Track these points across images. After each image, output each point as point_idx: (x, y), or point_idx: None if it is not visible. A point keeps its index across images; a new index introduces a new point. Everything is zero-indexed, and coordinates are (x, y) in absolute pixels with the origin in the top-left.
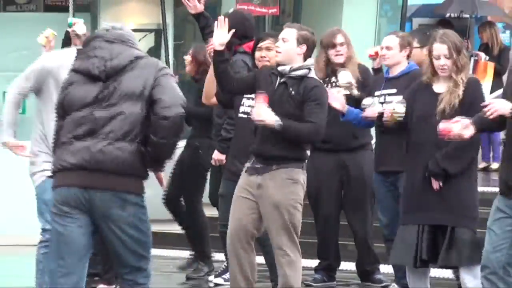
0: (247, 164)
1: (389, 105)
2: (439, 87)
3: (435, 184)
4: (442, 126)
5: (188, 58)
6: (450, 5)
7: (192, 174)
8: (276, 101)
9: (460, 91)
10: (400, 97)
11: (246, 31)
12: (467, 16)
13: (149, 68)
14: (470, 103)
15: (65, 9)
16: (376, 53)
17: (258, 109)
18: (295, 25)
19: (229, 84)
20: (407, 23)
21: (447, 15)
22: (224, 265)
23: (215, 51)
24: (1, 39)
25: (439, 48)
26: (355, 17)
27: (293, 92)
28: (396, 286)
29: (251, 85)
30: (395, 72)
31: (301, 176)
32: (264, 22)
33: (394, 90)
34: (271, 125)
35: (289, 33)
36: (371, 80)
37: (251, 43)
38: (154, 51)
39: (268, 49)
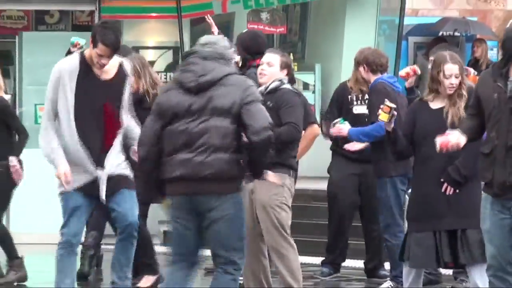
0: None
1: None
2: (435, 104)
3: (450, 190)
4: (440, 140)
5: None
6: (445, 24)
7: None
8: None
9: (463, 103)
10: None
11: (259, 47)
12: (459, 34)
13: (237, 86)
14: None
15: (90, 29)
16: (407, 74)
17: None
18: (277, 51)
19: None
20: (403, 41)
21: (441, 33)
22: None
23: None
24: (33, 55)
25: (452, 68)
26: (356, 35)
27: (270, 104)
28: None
29: None
30: None
31: (287, 180)
32: (273, 40)
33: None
34: None
35: (274, 58)
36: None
37: None
38: (172, 67)
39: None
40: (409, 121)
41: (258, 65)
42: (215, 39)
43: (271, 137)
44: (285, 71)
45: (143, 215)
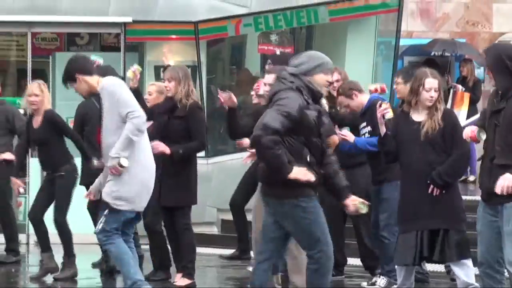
0: None
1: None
2: (417, 116)
3: (436, 191)
4: (468, 130)
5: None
6: (435, 45)
7: None
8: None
9: (439, 117)
10: None
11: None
12: (448, 54)
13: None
14: (451, 129)
15: (117, 49)
16: (375, 89)
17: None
18: (274, 70)
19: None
20: (399, 60)
21: (432, 53)
22: None
23: (229, 108)
24: None
25: (432, 83)
26: (356, 55)
27: None
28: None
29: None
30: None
31: None
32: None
33: (363, 124)
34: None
35: (271, 79)
36: None
37: None
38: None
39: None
40: (393, 128)
41: None
42: (296, 62)
43: (257, 138)
44: None
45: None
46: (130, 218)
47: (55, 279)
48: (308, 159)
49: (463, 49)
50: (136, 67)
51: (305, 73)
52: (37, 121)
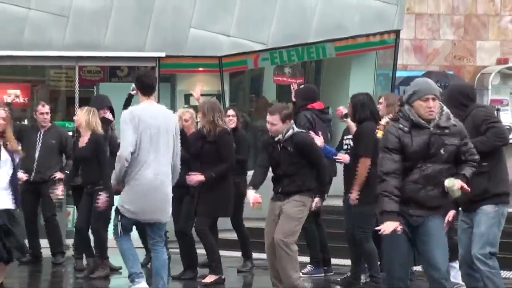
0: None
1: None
2: None
3: None
4: None
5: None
6: (429, 76)
7: None
8: (282, 160)
9: None
10: None
11: (315, 97)
12: (439, 84)
13: None
14: None
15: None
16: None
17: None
18: (277, 109)
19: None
20: (396, 90)
21: None
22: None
23: None
24: None
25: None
26: (358, 85)
27: (291, 149)
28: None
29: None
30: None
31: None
32: None
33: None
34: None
35: (274, 119)
36: None
37: (315, 104)
38: None
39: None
40: None
41: (309, 108)
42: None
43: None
44: (288, 122)
45: (210, 225)
46: (157, 226)
47: (92, 278)
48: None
49: (451, 80)
50: (181, 112)
51: (406, 101)
52: (82, 142)
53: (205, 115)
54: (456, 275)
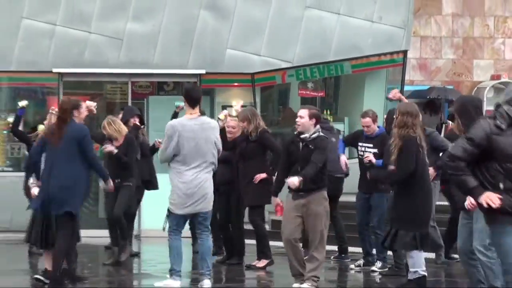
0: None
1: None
2: None
3: None
4: None
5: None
6: (431, 92)
7: None
8: (302, 157)
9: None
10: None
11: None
12: (441, 97)
13: None
14: None
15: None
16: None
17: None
18: (307, 106)
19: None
20: None
21: (428, 97)
22: None
23: None
24: (156, 112)
25: None
26: (372, 98)
27: (312, 148)
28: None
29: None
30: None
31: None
32: (316, 101)
33: (371, 145)
34: (298, 184)
35: (303, 112)
36: None
37: None
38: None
39: None
40: None
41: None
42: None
43: (443, 166)
44: (313, 120)
45: (261, 218)
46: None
47: (118, 262)
48: (502, 185)
49: (452, 94)
50: (226, 112)
51: (507, 101)
52: (118, 143)
53: (250, 121)
54: (420, 263)
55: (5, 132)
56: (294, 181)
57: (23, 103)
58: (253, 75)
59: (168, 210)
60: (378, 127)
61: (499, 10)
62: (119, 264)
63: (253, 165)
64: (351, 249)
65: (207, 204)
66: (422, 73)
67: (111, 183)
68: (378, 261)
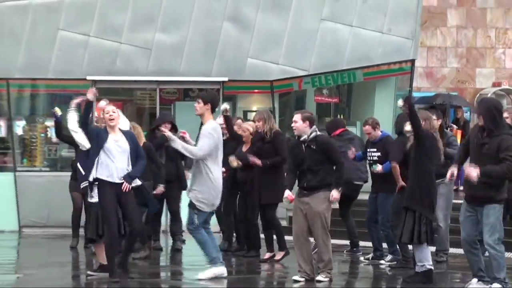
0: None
1: None
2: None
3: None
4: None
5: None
6: (437, 98)
7: None
8: (306, 157)
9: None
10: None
11: (337, 126)
12: (446, 103)
13: None
14: None
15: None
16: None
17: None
18: (300, 111)
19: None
20: None
21: (434, 103)
22: None
23: None
24: (181, 117)
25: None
26: (382, 104)
27: (314, 147)
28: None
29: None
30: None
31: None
32: (330, 107)
33: (374, 149)
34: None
35: (297, 117)
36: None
37: (337, 131)
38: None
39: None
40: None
41: (333, 137)
42: None
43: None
44: (307, 122)
45: (275, 214)
46: (211, 213)
47: (134, 259)
48: None
49: (456, 100)
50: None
51: None
52: None
53: (266, 121)
54: (427, 257)
55: (42, 135)
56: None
57: (57, 111)
58: (272, 82)
59: (196, 208)
60: (381, 131)
61: (499, 23)
62: (149, 258)
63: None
64: (362, 243)
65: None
66: (428, 80)
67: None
68: (388, 255)
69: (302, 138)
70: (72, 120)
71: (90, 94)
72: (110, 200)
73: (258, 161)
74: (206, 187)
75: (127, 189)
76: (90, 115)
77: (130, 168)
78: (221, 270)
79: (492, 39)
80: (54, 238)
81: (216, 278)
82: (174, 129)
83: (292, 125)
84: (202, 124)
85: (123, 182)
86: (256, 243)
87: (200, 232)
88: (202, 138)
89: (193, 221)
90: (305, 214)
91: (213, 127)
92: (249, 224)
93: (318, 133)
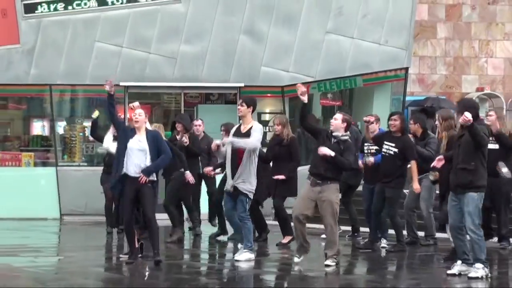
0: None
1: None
2: None
3: None
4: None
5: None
6: (427, 101)
7: None
8: (331, 149)
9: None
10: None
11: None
12: (435, 106)
13: None
14: None
15: (235, 103)
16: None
17: (322, 150)
18: (342, 112)
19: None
20: (405, 110)
21: (425, 105)
22: None
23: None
24: (203, 117)
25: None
26: (379, 106)
27: (342, 147)
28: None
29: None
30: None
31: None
32: (334, 109)
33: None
34: (330, 155)
35: (338, 116)
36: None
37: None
38: None
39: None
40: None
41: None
42: None
43: None
44: (345, 124)
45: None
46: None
47: (167, 242)
48: None
49: (444, 103)
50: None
51: None
52: None
53: (285, 126)
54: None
55: (81, 134)
56: (326, 151)
57: (95, 114)
58: (283, 87)
59: (248, 197)
60: (380, 128)
61: (483, 35)
62: (181, 242)
63: (283, 166)
64: (363, 229)
65: None
66: (420, 86)
67: None
68: (382, 239)
69: (334, 134)
70: (108, 140)
71: (107, 86)
72: (127, 192)
73: (281, 177)
74: (254, 177)
75: (143, 182)
76: (116, 107)
77: (147, 164)
78: (253, 256)
79: (476, 49)
80: (91, 225)
81: (248, 261)
82: (186, 129)
83: (332, 121)
84: (222, 125)
85: (139, 176)
86: (265, 229)
87: (250, 219)
88: (255, 132)
89: (246, 209)
90: (315, 202)
91: (261, 127)
92: (277, 211)
93: (349, 139)
